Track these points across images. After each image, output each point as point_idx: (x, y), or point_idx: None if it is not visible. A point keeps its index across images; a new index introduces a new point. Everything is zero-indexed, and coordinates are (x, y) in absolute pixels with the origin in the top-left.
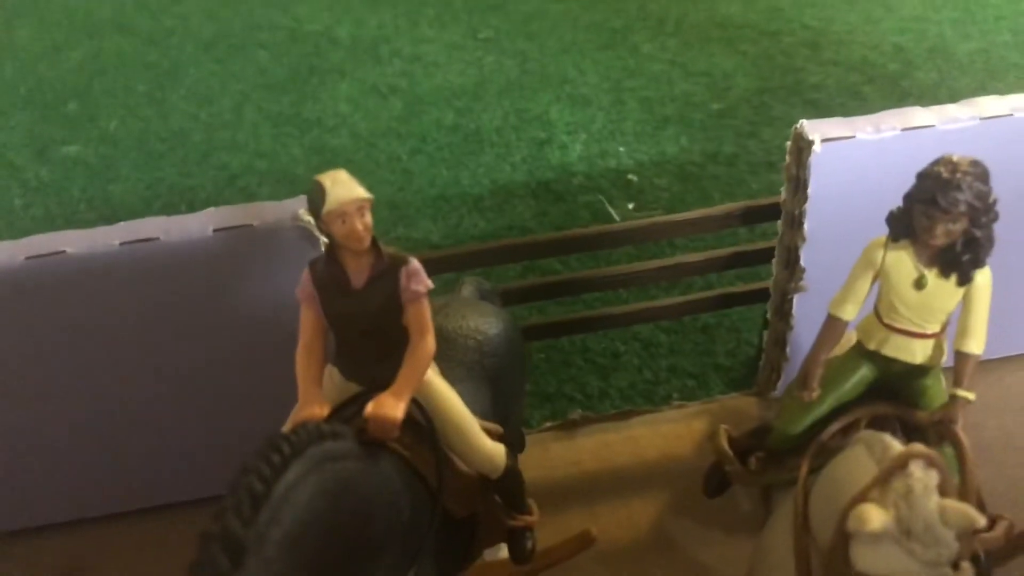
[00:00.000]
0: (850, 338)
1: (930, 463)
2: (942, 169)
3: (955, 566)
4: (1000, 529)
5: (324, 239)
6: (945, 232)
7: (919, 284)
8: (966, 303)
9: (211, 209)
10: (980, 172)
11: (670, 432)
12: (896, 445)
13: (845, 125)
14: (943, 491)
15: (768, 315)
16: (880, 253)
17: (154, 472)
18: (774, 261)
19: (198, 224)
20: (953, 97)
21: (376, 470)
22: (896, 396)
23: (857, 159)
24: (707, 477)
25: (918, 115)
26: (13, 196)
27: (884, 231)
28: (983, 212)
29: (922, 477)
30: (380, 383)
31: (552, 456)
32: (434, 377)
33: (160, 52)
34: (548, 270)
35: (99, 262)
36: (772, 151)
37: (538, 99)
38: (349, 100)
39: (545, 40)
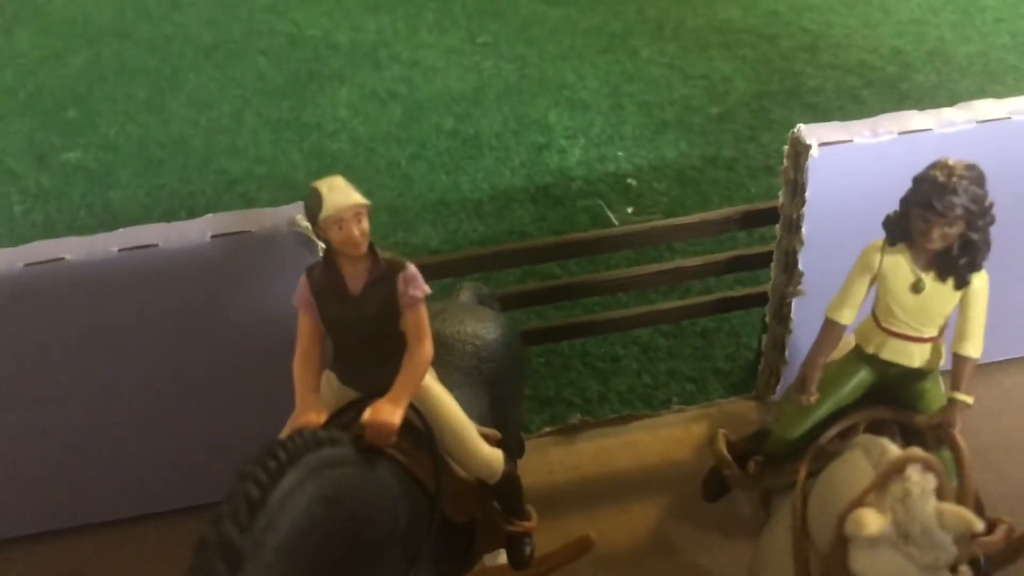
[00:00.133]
0: (848, 342)
1: (927, 467)
2: (938, 173)
3: (954, 570)
4: (999, 533)
5: (322, 245)
6: (941, 236)
7: (916, 288)
8: (963, 307)
9: (209, 215)
10: (976, 176)
11: (669, 436)
12: (894, 449)
13: (843, 129)
14: (941, 495)
15: (767, 319)
16: (877, 257)
17: (153, 479)
18: (772, 265)
19: (196, 230)
20: (952, 100)
21: (373, 476)
22: (894, 400)
23: (855, 163)
24: (706, 481)
25: (915, 119)
26: (13, 203)
27: (882, 235)
28: (979, 216)
29: (919, 481)
30: (378, 389)
31: (551, 461)
32: (432, 383)
33: (160, 58)
34: (547, 274)
35: (98, 268)
36: (771, 155)
37: (537, 104)
38: (348, 105)
39: (544, 45)
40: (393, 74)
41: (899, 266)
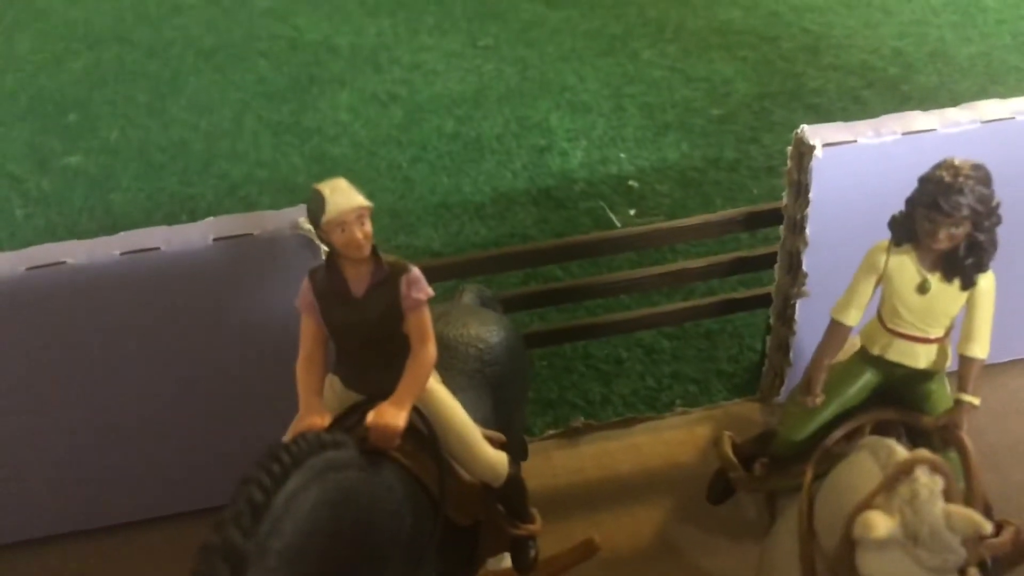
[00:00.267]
0: (854, 343)
1: (935, 468)
2: (944, 173)
3: (962, 572)
4: (1007, 534)
5: (324, 248)
6: (948, 236)
7: (922, 288)
8: (970, 307)
9: (211, 218)
10: (982, 176)
11: (673, 439)
12: (901, 451)
13: (846, 130)
14: (949, 497)
15: (771, 320)
16: (883, 258)
17: (156, 483)
18: (776, 266)
19: (198, 233)
20: (954, 101)
21: (378, 479)
22: (900, 401)
23: (859, 163)
24: (711, 484)
25: (919, 119)
26: (14, 207)
27: (886, 235)
28: (986, 216)
29: (927, 483)
30: (381, 392)
31: (554, 464)
32: (436, 385)
33: (160, 62)
34: (549, 277)
35: (100, 272)
36: (773, 156)
37: (538, 106)
38: (349, 109)
39: (545, 47)
40: (394, 77)
41: (905, 267)
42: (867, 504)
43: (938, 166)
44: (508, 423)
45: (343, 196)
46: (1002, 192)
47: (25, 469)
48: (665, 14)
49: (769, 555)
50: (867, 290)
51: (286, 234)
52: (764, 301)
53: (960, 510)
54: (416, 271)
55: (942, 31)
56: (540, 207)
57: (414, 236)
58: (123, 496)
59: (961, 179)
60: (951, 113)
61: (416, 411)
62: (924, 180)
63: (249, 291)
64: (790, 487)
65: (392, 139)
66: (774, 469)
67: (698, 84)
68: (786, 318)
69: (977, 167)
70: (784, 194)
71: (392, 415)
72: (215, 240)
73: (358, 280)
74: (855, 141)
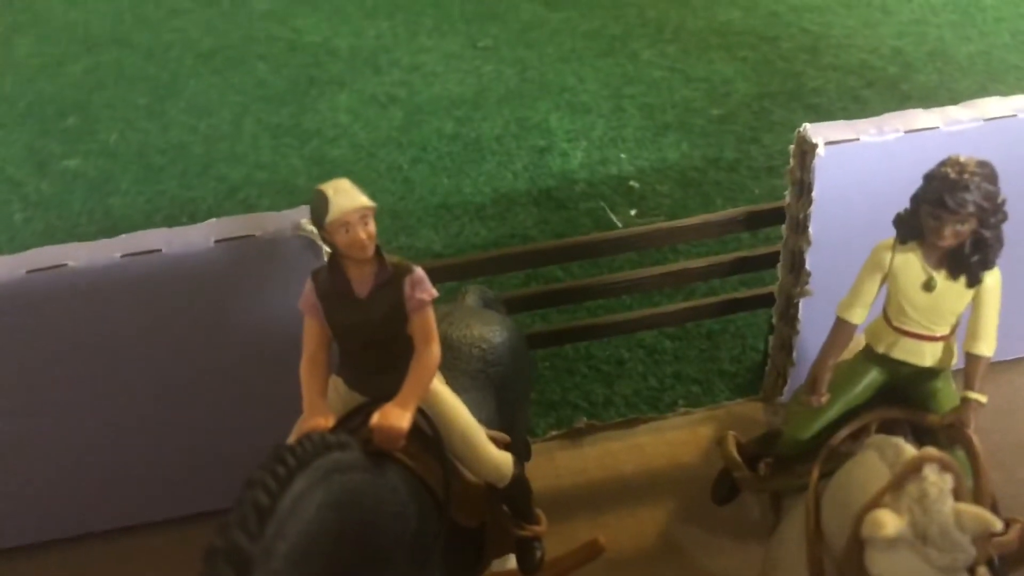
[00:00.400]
0: (859, 342)
1: (944, 467)
2: (950, 170)
3: (971, 571)
4: (1014, 532)
5: (327, 248)
6: (953, 233)
7: (928, 286)
8: (976, 305)
9: (212, 220)
10: (988, 173)
11: (676, 439)
12: (909, 449)
13: (849, 128)
14: (958, 495)
15: (773, 320)
16: (888, 255)
17: (158, 486)
18: (779, 265)
19: (199, 235)
20: (954, 99)
21: (383, 481)
22: (906, 400)
23: (861, 162)
24: (716, 484)
25: (921, 117)
26: (13, 210)
27: (889, 233)
28: (992, 213)
29: (936, 481)
30: (385, 393)
31: (558, 465)
32: (440, 386)
33: (159, 65)
34: (550, 278)
35: (101, 275)
36: (773, 156)
37: (538, 107)
38: (349, 110)
39: (544, 48)
40: (393, 79)
41: (910, 264)
42: (875, 503)
43: (944, 163)
44: (512, 424)
45: (346, 197)
46: (1005, 189)
47: (26, 472)
48: (665, 14)
49: (774, 555)
50: (872, 288)
51: (288, 235)
52: (766, 301)
53: (970, 508)
54: (420, 272)
55: (941, 30)
56: (541, 208)
57: (415, 237)
58: (125, 499)
59: (967, 176)
60: (953, 111)
61: (420, 412)
62: (929, 177)
63: (251, 293)
64: (796, 487)
65: (392, 140)
66: (779, 469)
67: (698, 84)
68: (789, 317)
69: (983, 164)
70: (786, 193)
71: (396, 416)
72: (216, 242)
73: (362, 281)
74: (858, 139)
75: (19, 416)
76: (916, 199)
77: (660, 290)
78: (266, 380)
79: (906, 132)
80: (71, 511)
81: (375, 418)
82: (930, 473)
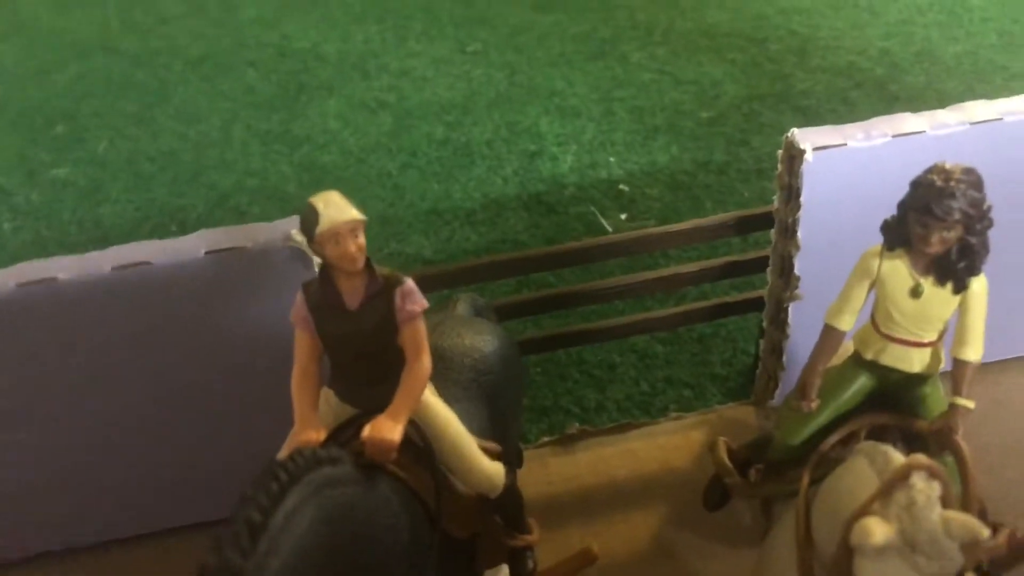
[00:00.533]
0: (848, 347)
1: (932, 474)
2: (936, 177)
3: None
4: (1001, 537)
5: (318, 260)
6: (940, 240)
7: (915, 292)
8: (963, 311)
9: (203, 231)
10: (974, 180)
11: (668, 444)
12: (898, 456)
13: (836, 133)
14: (946, 502)
15: (764, 324)
16: (876, 262)
17: (149, 498)
18: (768, 270)
19: (190, 247)
20: (941, 100)
21: (375, 494)
22: (895, 405)
23: (849, 166)
24: (707, 490)
25: (909, 121)
26: (3, 220)
27: (877, 237)
28: (978, 219)
29: (925, 489)
30: (377, 405)
31: (550, 472)
32: (431, 397)
33: (148, 72)
34: (542, 283)
35: (91, 288)
36: (763, 158)
37: (528, 111)
38: (338, 116)
39: (533, 52)
40: (382, 84)
41: (898, 271)
42: (864, 511)
43: (930, 170)
44: (504, 432)
45: (337, 209)
46: (991, 193)
47: (15, 485)
48: (654, 17)
49: (766, 561)
50: (860, 295)
51: (278, 246)
52: (757, 305)
53: (958, 516)
54: (410, 283)
55: (928, 30)
56: (531, 212)
57: (405, 243)
58: (117, 511)
59: (953, 183)
60: (940, 115)
61: (412, 424)
62: (916, 184)
63: (242, 304)
64: (786, 492)
65: (382, 146)
66: (770, 475)
67: (687, 87)
68: (779, 322)
69: (968, 171)
70: (775, 198)
71: (388, 429)
72: (206, 253)
73: (352, 293)
74: (845, 144)
75: (7, 429)
76: (903, 206)
77: (651, 295)
78: (258, 391)
79: (893, 136)
80: (63, 524)
81: (366, 431)
82: (918, 481)
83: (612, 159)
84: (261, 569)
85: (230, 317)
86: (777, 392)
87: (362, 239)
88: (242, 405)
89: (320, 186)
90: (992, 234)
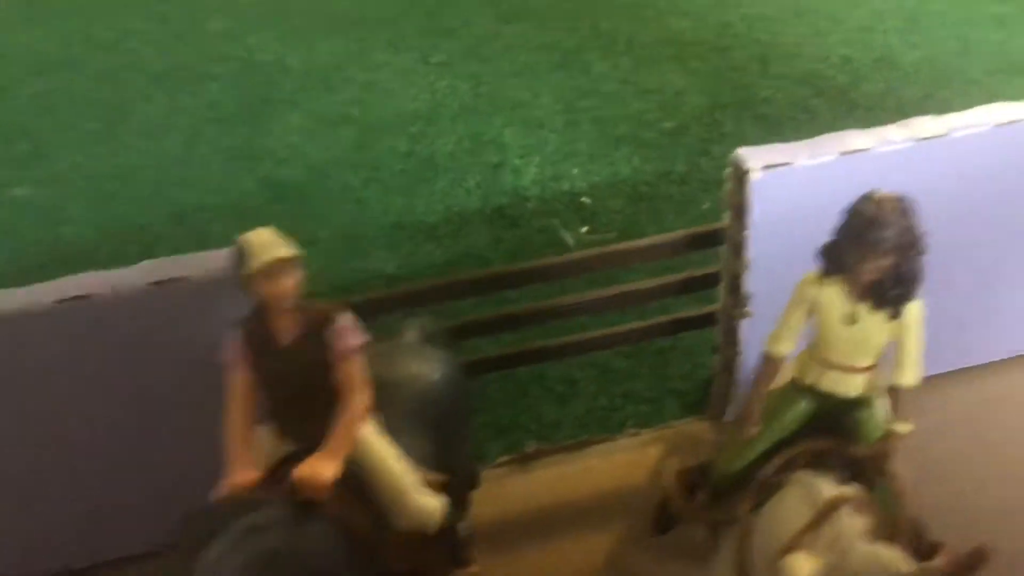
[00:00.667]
0: (792, 368)
1: (859, 507)
2: (867, 207)
3: None
4: (941, 559)
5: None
6: (874, 268)
7: (851, 319)
8: (898, 337)
9: (146, 262)
10: (905, 207)
11: (625, 461)
12: (828, 488)
13: (782, 151)
14: (876, 534)
15: (716, 340)
16: (812, 289)
17: (94, 529)
18: (720, 287)
19: (134, 278)
20: (900, 107)
21: (306, 536)
22: (835, 430)
23: (797, 185)
24: (655, 514)
25: (855, 139)
26: None
27: None
28: (910, 247)
29: (851, 523)
30: (315, 441)
31: (507, 492)
32: (368, 434)
33: (110, 88)
34: (502, 299)
35: (32, 322)
36: (723, 168)
37: (492, 122)
38: (301, 130)
39: (498, 63)
40: (346, 97)
41: (834, 298)
42: (794, 545)
43: (862, 199)
44: (452, 461)
45: (267, 249)
46: (935, 208)
47: None
48: (617, 27)
49: None
50: (798, 322)
51: (224, 276)
52: (714, 319)
53: (881, 552)
54: (345, 319)
55: (888, 37)
56: (493, 226)
57: (367, 260)
58: (62, 543)
59: (884, 213)
60: (886, 131)
61: (348, 461)
62: (848, 213)
63: (187, 335)
64: (730, 519)
65: (345, 160)
66: (714, 500)
67: (650, 96)
68: (731, 339)
69: (899, 199)
70: (724, 215)
71: (321, 467)
72: (151, 284)
73: (285, 330)
74: (791, 164)
75: None
76: (836, 234)
77: (611, 310)
78: (203, 423)
79: (840, 154)
80: (6, 555)
81: (299, 470)
82: (844, 515)
83: (575, 170)
84: None
85: (175, 348)
86: (730, 408)
87: (296, 276)
88: (189, 437)
89: (282, 202)
90: (938, 248)
